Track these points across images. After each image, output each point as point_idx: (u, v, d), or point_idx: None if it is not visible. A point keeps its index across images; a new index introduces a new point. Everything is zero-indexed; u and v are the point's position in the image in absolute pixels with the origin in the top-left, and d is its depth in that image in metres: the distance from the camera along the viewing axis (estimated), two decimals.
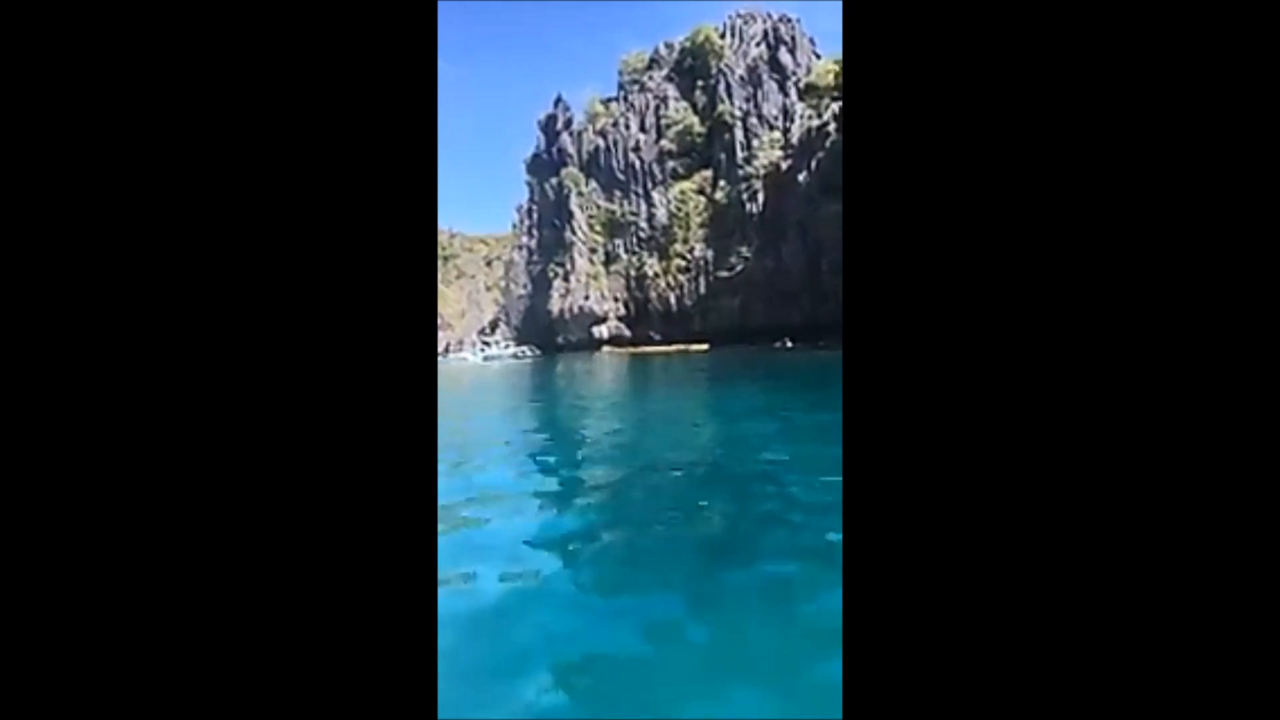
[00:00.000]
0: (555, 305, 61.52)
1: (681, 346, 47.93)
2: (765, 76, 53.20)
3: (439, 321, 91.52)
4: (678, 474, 5.22)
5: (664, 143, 58.87)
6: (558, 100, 69.31)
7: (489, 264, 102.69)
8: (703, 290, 53.58)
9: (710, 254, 53.15)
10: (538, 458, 6.36)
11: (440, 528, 3.46)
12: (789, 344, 38.85)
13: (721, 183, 53.40)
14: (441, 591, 2.57)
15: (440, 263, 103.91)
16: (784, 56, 53.44)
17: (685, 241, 55.42)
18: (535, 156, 70.59)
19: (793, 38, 54.11)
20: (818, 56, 53.58)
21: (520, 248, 72.81)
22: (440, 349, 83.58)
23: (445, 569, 2.86)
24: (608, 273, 60.67)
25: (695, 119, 57.57)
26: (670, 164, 58.18)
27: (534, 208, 70.29)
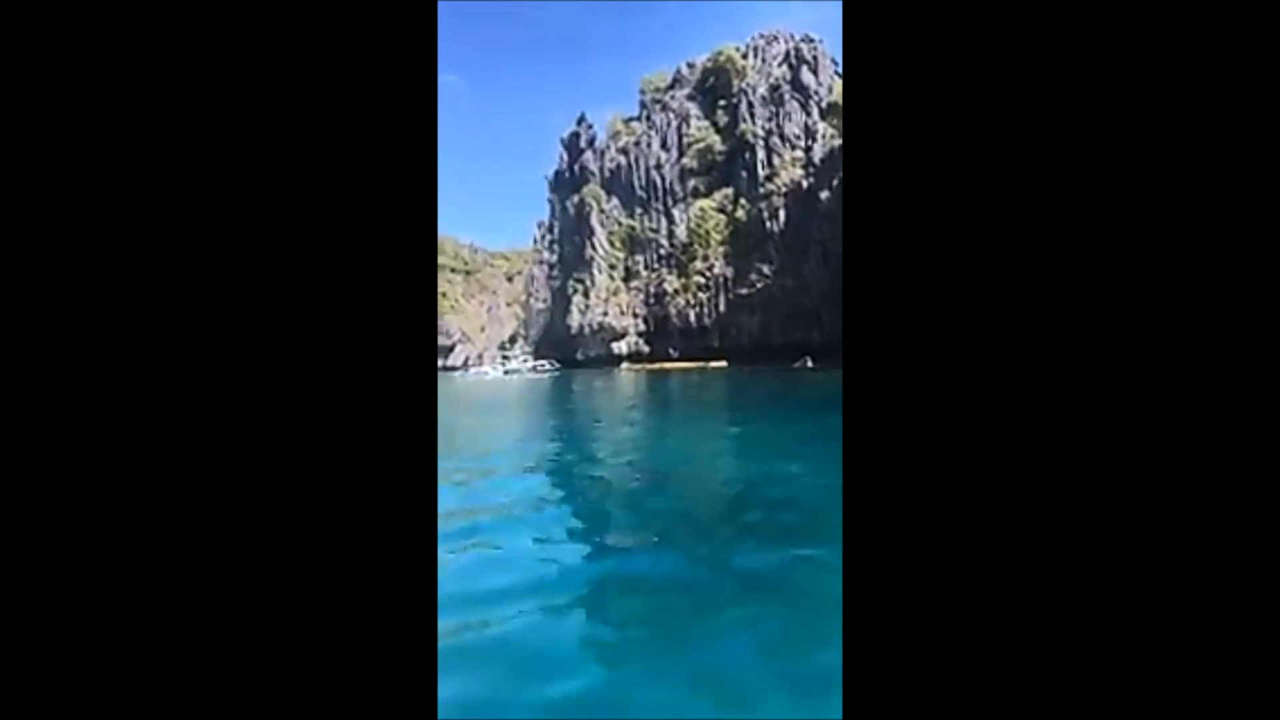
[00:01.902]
0: (575, 321, 61.83)
1: (700, 364, 47.75)
2: (787, 96, 53.41)
3: (459, 335, 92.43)
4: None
5: (685, 161, 59.26)
6: (580, 118, 70.32)
7: (510, 279, 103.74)
8: (722, 308, 53.49)
9: (730, 272, 53.12)
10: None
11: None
12: (809, 363, 38.49)
13: (742, 201, 53.50)
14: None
15: (462, 277, 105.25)
16: (806, 76, 53.65)
17: (705, 259, 55.48)
18: (558, 173, 71.48)
19: (815, 58, 54.35)
20: (840, 77, 53.70)
21: (541, 263, 73.49)
22: (459, 362, 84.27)
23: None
24: (627, 289, 60.90)
25: (716, 138, 57.93)
26: (691, 182, 58.50)
27: (555, 224, 71.04)
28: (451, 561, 3.56)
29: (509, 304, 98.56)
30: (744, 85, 56.33)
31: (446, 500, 4.89)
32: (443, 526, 4.00)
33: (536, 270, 74.51)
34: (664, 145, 61.51)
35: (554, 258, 70.36)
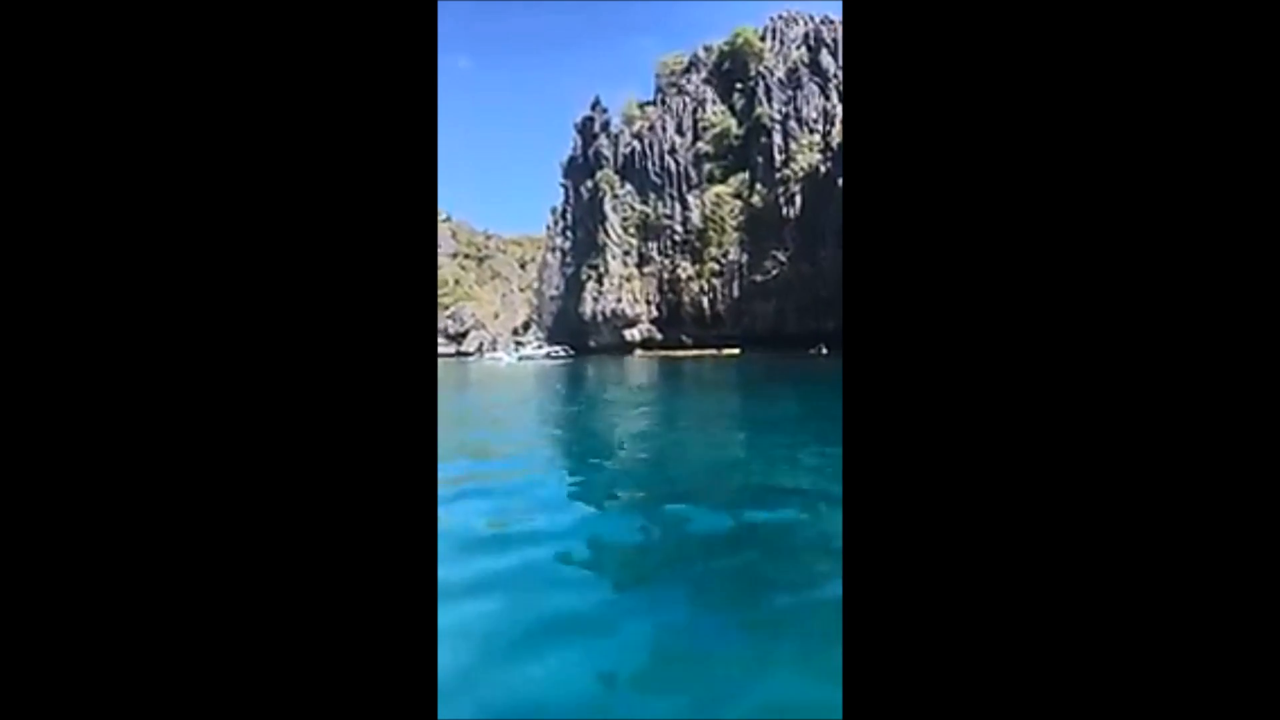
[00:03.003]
0: (588, 307, 61.63)
1: (713, 351, 47.44)
2: (805, 79, 52.41)
3: (473, 321, 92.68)
4: None
5: (700, 145, 58.53)
6: (595, 103, 69.64)
7: (523, 265, 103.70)
8: (736, 294, 53.01)
9: (745, 258, 52.56)
10: None
11: None
12: (825, 350, 38.04)
13: (758, 186, 52.78)
14: None
15: (475, 264, 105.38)
16: (825, 59, 52.58)
17: (719, 245, 54.93)
18: (571, 159, 70.98)
19: (835, 40, 53.18)
20: None
21: (554, 249, 73.24)
22: (474, 348, 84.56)
23: None
24: (640, 275, 60.52)
25: (733, 122, 57.10)
26: (706, 167, 57.80)
27: (568, 210, 70.66)
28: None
29: (522, 290, 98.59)
30: (761, 68, 55.36)
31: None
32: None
33: (549, 256, 74.29)
34: (679, 130, 60.75)
35: (567, 244, 70.06)
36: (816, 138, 49.90)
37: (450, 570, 2.72)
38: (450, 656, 2.03)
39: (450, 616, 2.25)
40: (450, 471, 5.06)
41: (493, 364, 44.55)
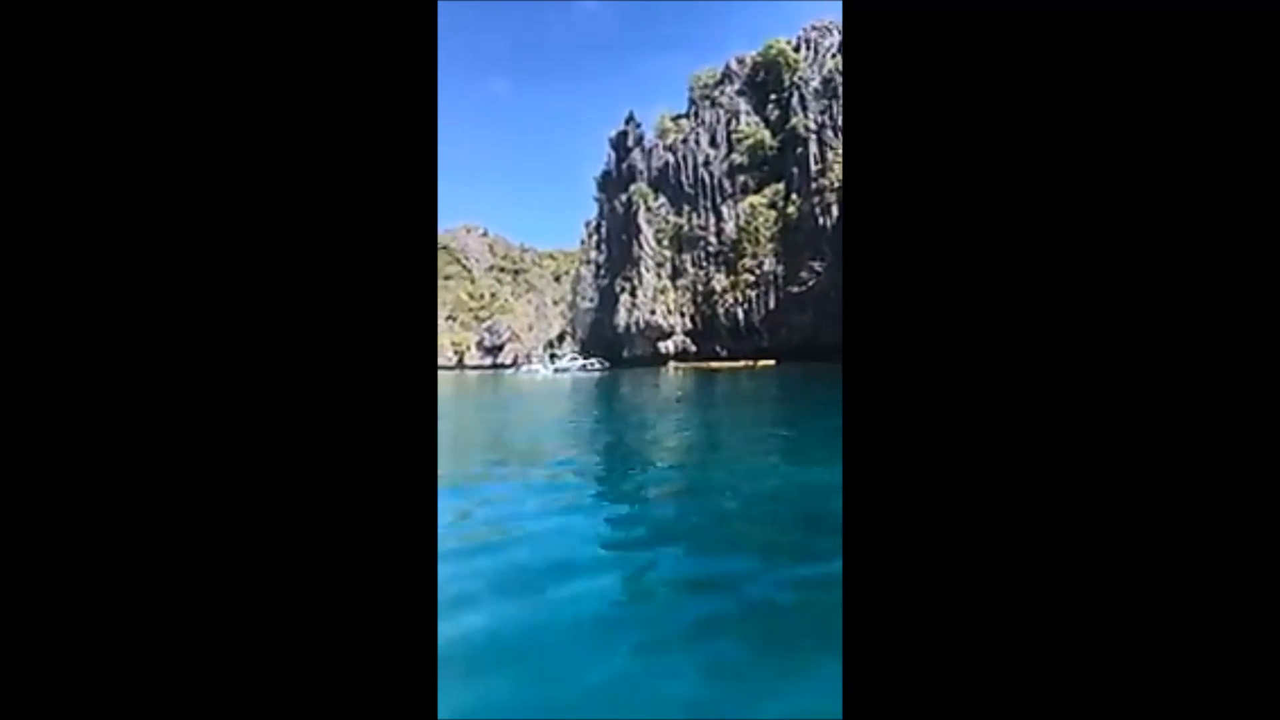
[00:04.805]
0: (622, 319, 61.86)
1: (748, 363, 47.00)
2: (841, 89, 51.88)
3: (508, 334, 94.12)
4: None
5: (735, 157, 58.44)
6: (629, 117, 70.29)
7: (557, 279, 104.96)
8: (772, 305, 52.47)
9: (780, 269, 52.05)
10: None
11: None
12: None
13: (794, 196, 52.32)
14: None
15: (510, 277, 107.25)
16: None
17: (754, 256, 54.56)
18: (605, 173, 71.72)
19: None
20: None
21: (588, 262, 73.92)
22: (509, 360, 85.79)
23: None
24: (675, 287, 60.51)
25: (767, 133, 56.87)
26: (741, 178, 57.63)
27: (603, 223, 71.30)
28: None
29: (555, 303, 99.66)
30: (796, 79, 55.10)
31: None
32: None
33: (584, 269, 75.00)
34: (713, 142, 60.82)
35: (601, 257, 70.61)
36: None
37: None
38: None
39: None
40: None
41: (530, 376, 44.97)
